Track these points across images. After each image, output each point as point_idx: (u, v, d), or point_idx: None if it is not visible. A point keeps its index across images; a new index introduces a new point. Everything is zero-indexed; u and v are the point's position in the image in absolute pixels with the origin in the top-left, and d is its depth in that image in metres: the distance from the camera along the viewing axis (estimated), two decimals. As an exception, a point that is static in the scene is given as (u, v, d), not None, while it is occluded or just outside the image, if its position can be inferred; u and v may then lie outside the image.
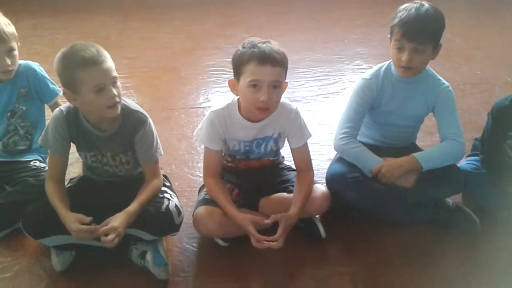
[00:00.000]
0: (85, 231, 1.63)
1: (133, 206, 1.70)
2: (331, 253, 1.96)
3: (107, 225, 1.63)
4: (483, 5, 5.06)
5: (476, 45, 4.04)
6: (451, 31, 4.14)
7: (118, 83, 1.68)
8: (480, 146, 2.13)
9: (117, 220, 1.64)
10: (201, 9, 4.82)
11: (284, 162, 2.13)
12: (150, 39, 4.09)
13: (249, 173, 2.01)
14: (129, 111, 1.76)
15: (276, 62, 1.70)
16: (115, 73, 1.65)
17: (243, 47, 1.73)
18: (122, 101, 1.72)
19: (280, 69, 1.72)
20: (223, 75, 3.36)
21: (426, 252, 1.94)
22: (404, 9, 1.87)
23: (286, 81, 1.78)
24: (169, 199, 1.79)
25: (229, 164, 2.03)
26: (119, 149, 1.80)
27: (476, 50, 3.95)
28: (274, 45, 1.73)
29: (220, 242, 1.92)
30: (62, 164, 1.82)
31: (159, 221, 1.75)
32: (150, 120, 1.79)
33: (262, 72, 1.69)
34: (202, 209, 1.85)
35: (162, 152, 1.86)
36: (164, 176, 1.97)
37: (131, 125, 1.76)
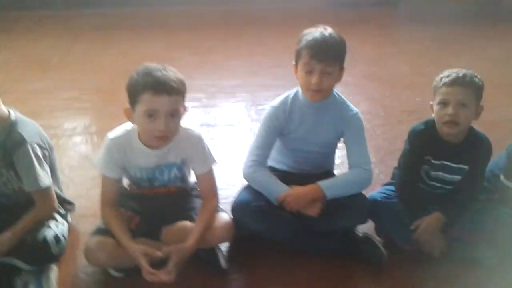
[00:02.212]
0: None
1: (3, 234, 1.64)
2: (231, 285, 1.89)
3: None
4: (432, 33, 5.18)
5: (421, 72, 4.08)
6: (399, 59, 4.23)
7: None
8: (396, 172, 2.09)
9: None
10: (151, 32, 4.83)
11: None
12: (93, 61, 4.05)
13: (155, 200, 1.94)
14: (14, 129, 1.70)
15: (172, 91, 1.64)
16: None
17: (137, 75, 1.66)
18: (15, 117, 1.71)
19: (177, 98, 1.67)
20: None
21: (337, 284, 1.89)
22: (308, 33, 1.86)
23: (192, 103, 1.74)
24: (51, 228, 1.72)
25: (135, 191, 1.95)
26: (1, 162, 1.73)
27: (420, 77, 3.98)
28: (170, 72, 1.67)
29: (114, 273, 1.84)
30: None
31: (34, 250, 1.68)
32: (30, 145, 1.70)
33: (158, 102, 1.63)
34: (93, 239, 1.77)
35: (44, 184, 1.75)
36: (65, 201, 1.90)
37: (10, 143, 1.70)
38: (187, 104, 1.75)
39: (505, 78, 4.00)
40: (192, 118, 3.15)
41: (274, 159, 2.16)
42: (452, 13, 5.94)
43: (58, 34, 4.65)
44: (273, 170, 2.15)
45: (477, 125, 2.98)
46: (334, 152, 2.16)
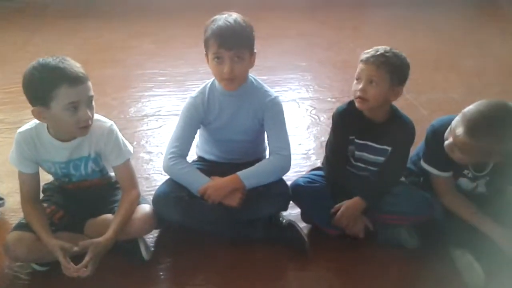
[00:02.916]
0: None
1: None
2: (156, 275, 1.91)
3: None
4: (395, 16, 5.20)
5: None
6: (357, 43, 4.24)
7: None
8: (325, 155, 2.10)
9: None
10: (114, 20, 4.81)
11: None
12: (48, 53, 3.91)
13: (78, 194, 1.95)
14: None
15: (84, 78, 1.67)
16: None
17: (39, 72, 1.63)
18: None
19: (89, 83, 1.69)
20: (106, 90, 3.31)
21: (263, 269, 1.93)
22: (213, 21, 1.84)
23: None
24: None
25: (61, 186, 1.96)
26: None
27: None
28: (70, 61, 1.67)
29: (36, 267, 1.85)
30: None
31: None
32: None
33: (78, 92, 1.65)
34: (12, 234, 1.77)
35: None
36: None
37: None
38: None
39: (458, 59, 4.03)
40: (136, 109, 3.16)
41: (203, 150, 2.18)
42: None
43: (19, 26, 4.61)
44: (203, 160, 2.17)
45: (423, 105, 3.03)
46: (262, 139, 2.15)
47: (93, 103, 1.73)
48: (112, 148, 1.84)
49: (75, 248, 1.72)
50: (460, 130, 1.71)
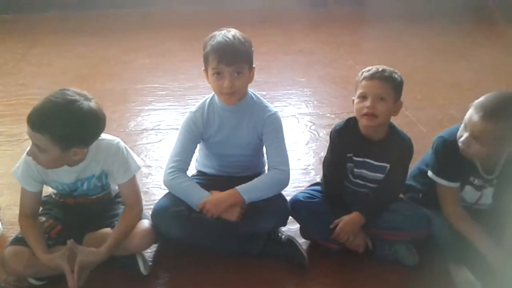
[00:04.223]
0: None
1: None
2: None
3: None
4: (390, 32, 5.23)
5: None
6: (356, 59, 4.27)
7: None
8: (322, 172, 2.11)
9: None
10: (111, 34, 4.85)
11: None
12: (48, 66, 4.04)
13: (78, 208, 1.94)
14: None
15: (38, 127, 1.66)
16: None
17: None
18: None
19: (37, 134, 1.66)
20: (105, 103, 3.30)
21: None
22: (212, 37, 1.86)
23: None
24: None
25: (60, 200, 1.96)
26: None
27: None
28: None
29: (33, 282, 1.84)
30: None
31: None
32: None
33: (31, 136, 1.66)
34: (9, 249, 1.77)
35: None
36: None
37: None
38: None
39: (456, 75, 4.05)
40: (136, 123, 3.16)
41: (203, 164, 2.18)
42: (417, 12, 6.00)
43: (17, 39, 4.64)
44: (202, 175, 2.17)
45: (423, 122, 3.05)
46: (261, 154, 2.15)
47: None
48: (119, 166, 1.83)
49: (71, 240, 1.71)
50: (476, 117, 1.74)
